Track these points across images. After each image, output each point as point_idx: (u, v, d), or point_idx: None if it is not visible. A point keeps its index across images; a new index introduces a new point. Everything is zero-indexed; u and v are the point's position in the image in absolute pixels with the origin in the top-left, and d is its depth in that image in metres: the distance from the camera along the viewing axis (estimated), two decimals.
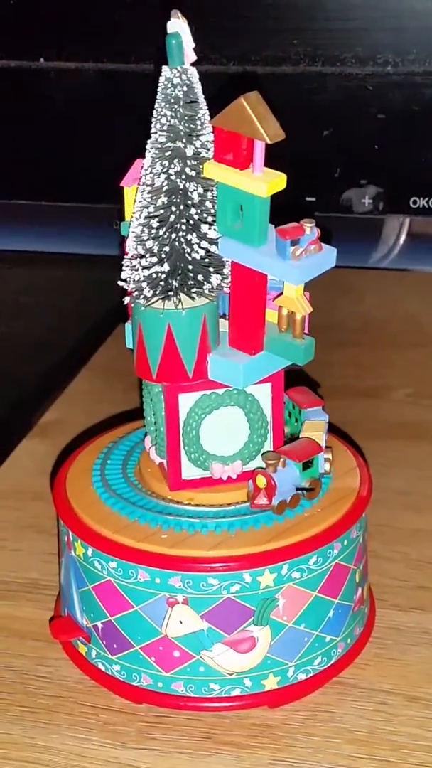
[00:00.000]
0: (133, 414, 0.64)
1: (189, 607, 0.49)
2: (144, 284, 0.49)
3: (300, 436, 0.54)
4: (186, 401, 0.51)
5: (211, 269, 0.49)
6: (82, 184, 1.02)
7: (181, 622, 0.50)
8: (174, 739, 0.50)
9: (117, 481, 0.55)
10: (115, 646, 0.52)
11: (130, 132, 0.99)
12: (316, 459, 0.52)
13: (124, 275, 0.50)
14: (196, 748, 0.49)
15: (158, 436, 0.53)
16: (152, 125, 0.48)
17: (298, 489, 0.51)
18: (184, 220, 0.48)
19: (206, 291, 0.50)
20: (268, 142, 0.46)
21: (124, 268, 0.50)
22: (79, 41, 0.96)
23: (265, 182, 0.47)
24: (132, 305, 0.51)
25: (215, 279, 0.49)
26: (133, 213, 0.49)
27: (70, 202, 1.04)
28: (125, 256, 0.50)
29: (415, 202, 0.93)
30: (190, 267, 0.49)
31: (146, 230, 0.48)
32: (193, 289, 0.49)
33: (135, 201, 0.49)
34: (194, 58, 0.47)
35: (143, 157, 0.51)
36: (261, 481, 0.51)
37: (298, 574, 0.50)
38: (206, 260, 0.49)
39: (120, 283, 0.51)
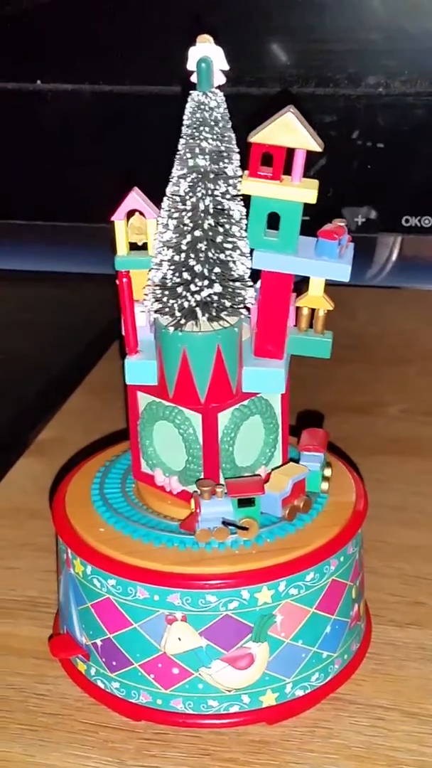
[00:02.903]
0: None
1: (188, 624, 0.50)
2: (197, 309, 0.49)
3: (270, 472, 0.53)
4: (221, 420, 0.52)
5: (249, 284, 0.50)
6: (78, 204, 1.02)
7: (179, 639, 0.50)
8: (173, 756, 0.50)
9: (116, 498, 0.55)
10: (114, 663, 0.52)
11: (125, 153, 1.00)
12: (259, 500, 0.51)
13: (156, 306, 0.50)
14: (195, 764, 0.50)
15: (192, 461, 0.52)
16: (187, 150, 0.48)
17: (226, 523, 0.50)
18: (229, 239, 0.49)
19: (249, 305, 0.51)
20: (320, 150, 0.48)
21: (157, 299, 0.50)
22: (76, 63, 0.97)
23: (312, 189, 0.49)
24: (162, 335, 0.50)
25: (251, 292, 0.50)
26: (165, 242, 0.49)
27: (66, 222, 1.04)
28: (156, 288, 0.49)
29: (407, 221, 0.94)
30: (238, 284, 0.50)
31: (192, 254, 0.49)
32: (240, 306, 0.50)
33: (169, 229, 0.49)
34: (223, 80, 0.48)
35: (134, 185, 0.52)
36: (192, 504, 0.51)
37: (296, 591, 0.51)
38: (246, 275, 0.50)
39: (154, 316, 0.50)
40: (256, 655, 0.50)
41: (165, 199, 0.49)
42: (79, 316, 1.00)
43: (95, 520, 0.54)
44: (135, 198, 0.52)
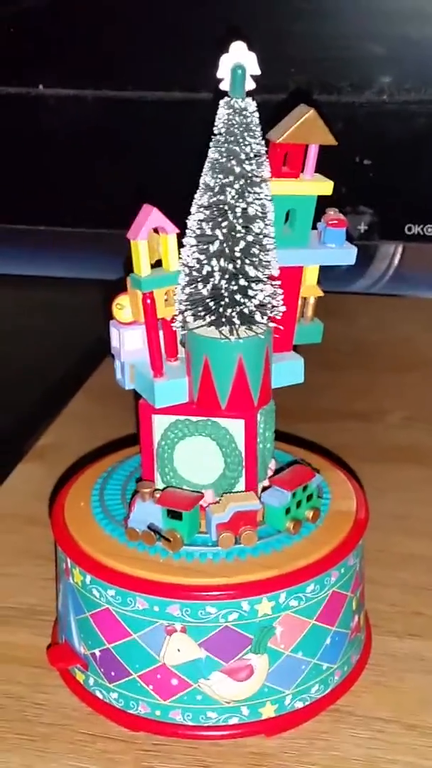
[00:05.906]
0: (131, 438, 0.64)
1: (187, 635, 0.49)
2: (257, 313, 0.49)
3: (223, 494, 0.52)
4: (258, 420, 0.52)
5: (279, 282, 0.50)
6: (78, 209, 1.02)
7: (179, 650, 0.50)
8: (171, 767, 0.50)
9: (116, 507, 0.55)
10: (112, 673, 0.52)
11: (126, 158, 1.00)
12: (188, 516, 0.50)
13: (209, 319, 0.49)
14: None
15: (232, 468, 0.51)
16: (231, 157, 0.47)
17: (151, 528, 0.50)
18: (271, 240, 0.49)
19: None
20: (336, 144, 0.50)
21: (209, 312, 0.49)
22: (78, 69, 0.97)
23: (327, 181, 0.50)
24: (216, 346, 0.49)
25: (280, 290, 0.51)
26: (214, 253, 0.48)
27: (67, 227, 1.04)
28: (208, 300, 0.49)
29: (410, 229, 0.94)
30: (278, 283, 0.50)
31: (248, 260, 0.48)
32: (281, 304, 0.50)
33: (218, 239, 0.48)
34: (254, 85, 0.48)
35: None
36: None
37: (296, 602, 0.50)
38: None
39: (215, 329, 0.49)
40: (256, 666, 0.50)
41: (202, 210, 0.48)
42: (78, 321, 1.00)
43: (95, 528, 0.53)
44: (158, 215, 0.50)
